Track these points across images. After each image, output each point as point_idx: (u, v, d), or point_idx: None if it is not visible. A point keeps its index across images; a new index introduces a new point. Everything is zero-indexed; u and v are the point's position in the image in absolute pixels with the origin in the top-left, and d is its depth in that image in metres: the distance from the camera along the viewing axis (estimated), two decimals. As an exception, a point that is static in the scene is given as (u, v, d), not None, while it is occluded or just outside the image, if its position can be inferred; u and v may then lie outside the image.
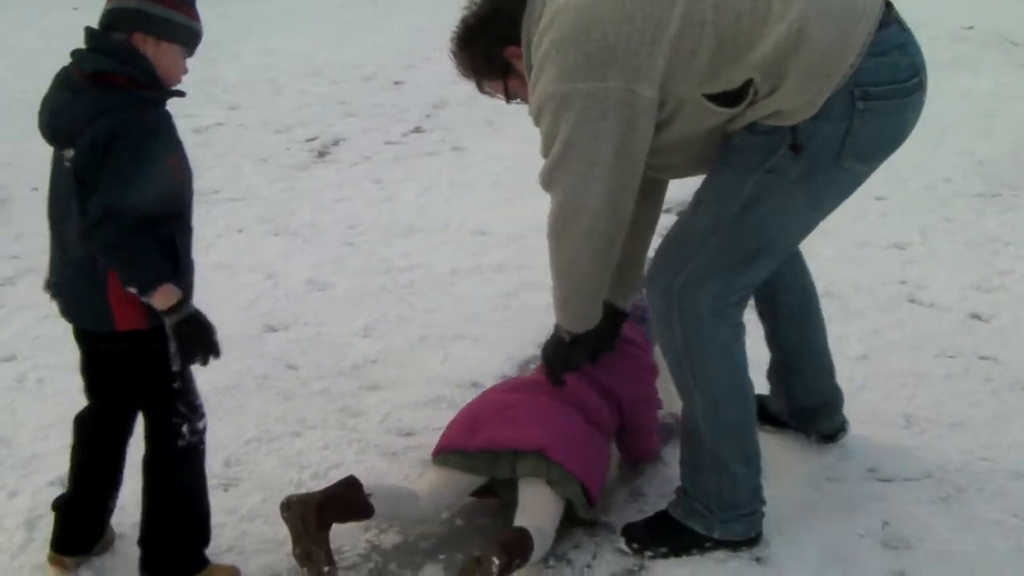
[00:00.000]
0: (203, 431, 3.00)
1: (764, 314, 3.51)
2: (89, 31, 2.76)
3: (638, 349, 3.61)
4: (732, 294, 2.94)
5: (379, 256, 5.48)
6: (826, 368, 3.56)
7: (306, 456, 3.65)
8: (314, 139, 7.78)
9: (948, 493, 3.35)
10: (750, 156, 2.83)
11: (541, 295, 4.90)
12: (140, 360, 2.87)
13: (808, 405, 3.56)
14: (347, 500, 3.00)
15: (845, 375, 4.00)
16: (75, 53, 2.76)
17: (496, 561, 2.78)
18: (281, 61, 10.24)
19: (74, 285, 2.85)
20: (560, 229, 2.92)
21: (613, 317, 3.36)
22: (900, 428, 3.73)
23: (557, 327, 3.20)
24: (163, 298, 2.74)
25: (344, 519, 3.01)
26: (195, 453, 3.00)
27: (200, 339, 2.84)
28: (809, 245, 5.30)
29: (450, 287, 5.09)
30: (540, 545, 2.94)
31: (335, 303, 4.93)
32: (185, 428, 2.95)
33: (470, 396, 4.02)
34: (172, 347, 2.81)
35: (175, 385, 2.91)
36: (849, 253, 5.30)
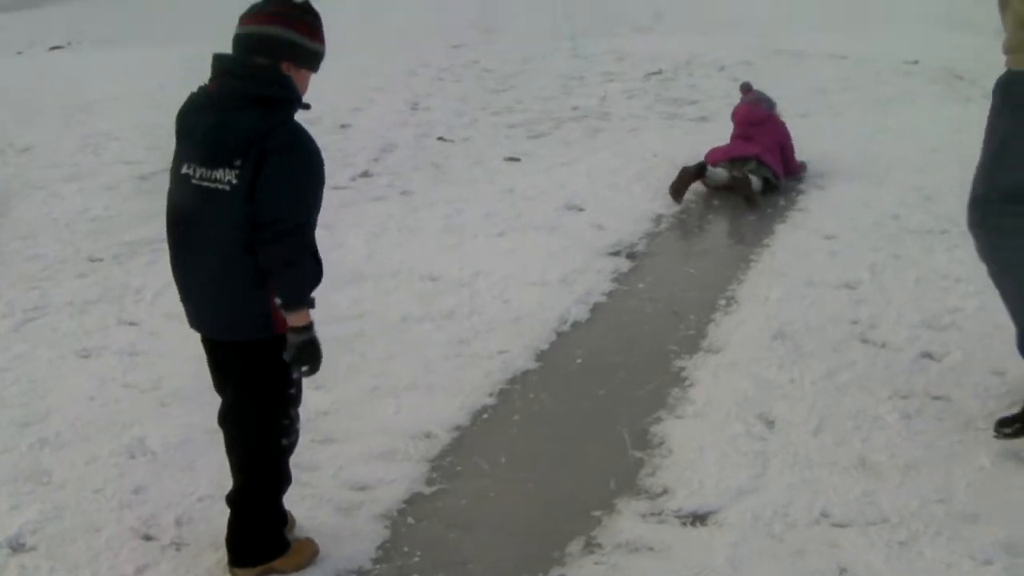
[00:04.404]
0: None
1: None
2: (232, 57, 2.96)
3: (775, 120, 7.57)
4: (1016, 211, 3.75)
5: (328, 303, 5.34)
6: None
7: (258, 513, 3.58)
8: (261, 184, 7.66)
9: (904, 538, 3.35)
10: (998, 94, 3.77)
11: (492, 342, 4.89)
12: (273, 362, 3.03)
13: None
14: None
15: (800, 418, 4.02)
16: (229, 77, 2.96)
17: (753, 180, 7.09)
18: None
19: (231, 298, 2.99)
20: None
21: None
22: (855, 470, 3.72)
23: None
24: (305, 316, 2.97)
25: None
26: (290, 452, 3.26)
27: (319, 358, 3.04)
28: (758, 286, 5.40)
29: (401, 335, 5.03)
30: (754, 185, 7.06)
31: (284, 353, 4.84)
32: (291, 429, 3.21)
33: (424, 447, 3.99)
34: (288, 357, 3.00)
35: (292, 391, 3.13)
36: (799, 292, 5.30)
